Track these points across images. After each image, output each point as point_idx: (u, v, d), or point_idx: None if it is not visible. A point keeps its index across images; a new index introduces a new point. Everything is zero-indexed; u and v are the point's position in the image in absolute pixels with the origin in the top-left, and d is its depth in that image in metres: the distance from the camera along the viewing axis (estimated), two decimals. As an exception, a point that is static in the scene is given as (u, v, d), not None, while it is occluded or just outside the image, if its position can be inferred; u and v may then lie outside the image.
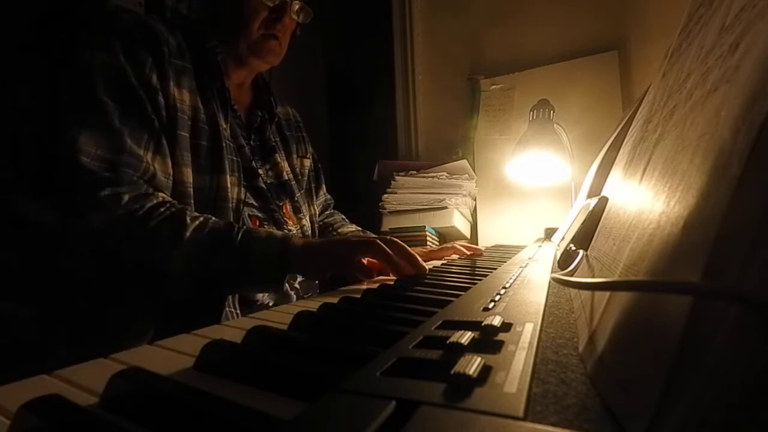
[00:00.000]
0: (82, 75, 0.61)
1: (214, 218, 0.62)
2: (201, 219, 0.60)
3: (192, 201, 0.67)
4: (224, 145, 0.72)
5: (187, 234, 0.58)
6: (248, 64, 0.80)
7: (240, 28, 0.75)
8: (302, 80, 1.94)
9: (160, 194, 0.62)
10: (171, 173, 0.65)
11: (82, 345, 0.65)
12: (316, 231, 0.96)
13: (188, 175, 0.67)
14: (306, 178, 0.96)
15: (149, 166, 0.62)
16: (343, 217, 1.09)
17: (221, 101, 0.75)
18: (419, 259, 0.58)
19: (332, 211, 1.09)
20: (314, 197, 1.00)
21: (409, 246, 0.61)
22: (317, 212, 1.00)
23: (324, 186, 1.07)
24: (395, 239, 0.59)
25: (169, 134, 0.66)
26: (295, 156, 0.94)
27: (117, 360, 0.26)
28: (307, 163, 0.98)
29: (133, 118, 0.62)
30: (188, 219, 0.59)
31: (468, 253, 0.90)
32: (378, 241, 0.58)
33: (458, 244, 0.93)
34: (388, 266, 0.57)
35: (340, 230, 1.00)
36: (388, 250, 0.57)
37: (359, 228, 1.03)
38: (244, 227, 0.60)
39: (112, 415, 0.19)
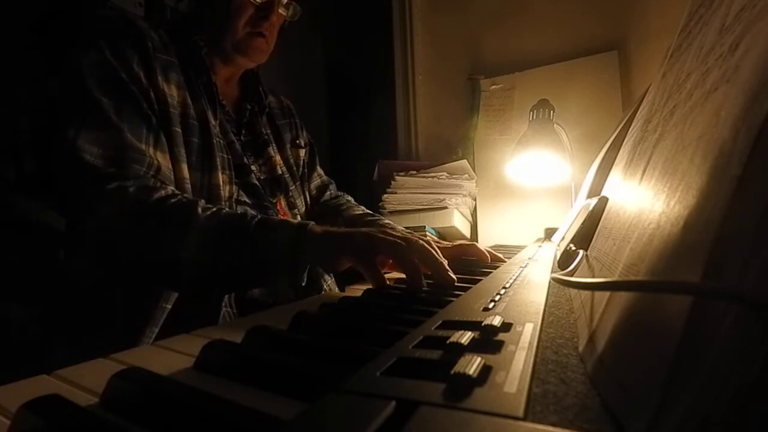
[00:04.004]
0: (74, 75, 0.60)
1: (226, 208, 0.60)
2: (213, 209, 0.57)
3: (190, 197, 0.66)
4: (215, 141, 0.70)
5: (199, 222, 0.54)
6: (234, 61, 0.79)
7: (225, 26, 0.74)
8: (302, 80, 1.94)
9: (170, 187, 0.61)
10: (172, 168, 0.65)
11: (82, 345, 0.64)
12: (311, 215, 0.92)
13: (185, 171, 0.66)
14: (301, 169, 0.93)
15: (153, 159, 0.61)
16: (350, 198, 1.02)
17: (208, 96, 0.73)
18: (448, 270, 0.50)
19: (338, 192, 1.03)
20: (308, 181, 0.96)
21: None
22: (312, 196, 0.96)
23: (319, 167, 1.02)
24: (425, 243, 0.52)
25: (164, 131, 0.65)
26: (288, 146, 0.91)
27: (117, 360, 0.26)
28: (302, 153, 0.95)
29: (129, 114, 0.61)
30: (199, 208, 0.56)
31: (488, 258, 0.73)
32: (404, 244, 0.50)
33: (477, 246, 0.75)
34: (409, 277, 0.49)
35: (346, 213, 0.92)
36: (413, 258, 0.49)
37: (368, 211, 0.96)
38: (259, 215, 0.57)
39: (112, 414, 0.19)
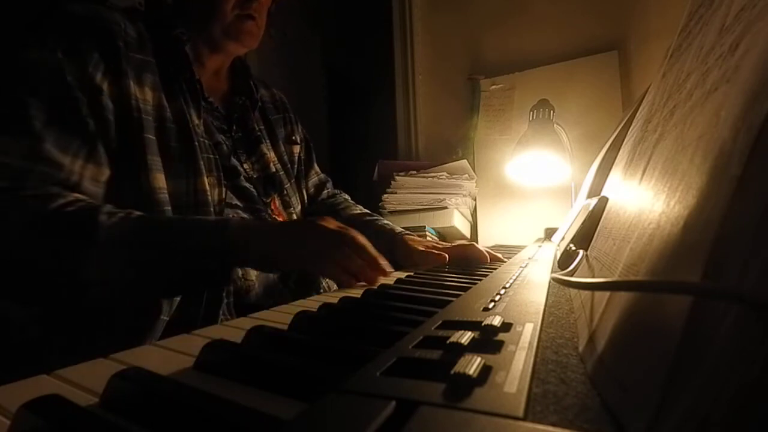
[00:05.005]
0: (11, 74, 0.55)
1: (136, 213, 0.54)
2: (120, 214, 0.52)
3: (169, 208, 0.62)
4: (197, 143, 0.66)
5: (103, 231, 0.49)
6: (224, 48, 0.75)
7: (212, 10, 0.70)
8: (302, 80, 1.94)
9: (74, 194, 0.54)
10: (104, 181, 0.59)
11: (82, 346, 0.64)
12: (307, 214, 0.91)
13: (160, 180, 0.62)
14: (296, 165, 0.90)
15: (71, 175, 0.55)
16: (347, 197, 1.01)
17: (191, 94, 0.69)
18: (381, 261, 0.53)
19: (335, 191, 1.02)
20: (305, 179, 0.94)
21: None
22: (310, 195, 0.95)
23: (316, 165, 1.00)
24: (353, 236, 0.53)
25: (134, 139, 0.60)
26: (282, 143, 0.88)
27: (117, 360, 0.26)
28: (296, 149, 0.91)
29: (62, 121, 0.55)
30: (103, 215, 0.51)
31: (488, 259, 0.72)
32: (323, 258, 0.51)
33: (477, 246, 0.74)
34: (347, 278, 0.52)
35: (344, 213, 0.91)
36: (334, 269, 0.51)
37: (366, 210, 0.95)
38: (175, 218, 0.54)
39: (113, 415, 0.19)
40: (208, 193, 0.66)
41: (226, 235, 0.51)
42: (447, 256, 0.70)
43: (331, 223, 0.55)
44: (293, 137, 0.92)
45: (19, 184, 0.51)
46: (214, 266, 0.52)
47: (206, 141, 0.69)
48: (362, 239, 0.54)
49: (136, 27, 0.66)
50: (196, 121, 0.68)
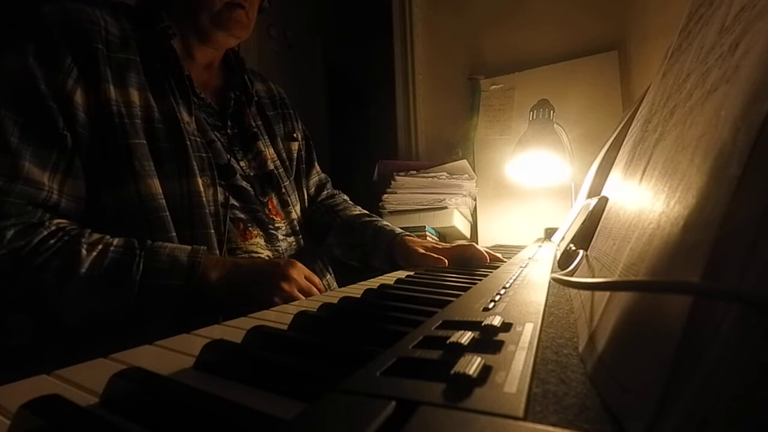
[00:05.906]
0: None
1: (115, 243, 0.55)
2: (100, 247, 0.54)
3: (167, 213, 0.61)
4: (188, 143, 0.64)
5: (82, 270, 0.52)
6: (213, 39, 0.72)
7: (200, 0, 0.67)
8: (303, 80, 1.94)
9: (55, 221, 0.55)
10: (83, 196, 0.58)
11: (80, 346, 0.64)
12: (307, 215, 0.90)
13: (156, 186, 0.60)
14: (295, 163, 0.88)
15: (51, 193, 0.55)
16: (346, 198, 0.99)
17: (180, 91, 0.66)
18: (311, 289, 0.56)
19: (334, 191, 1.00)
20: (306, 179, 0.92)
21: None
22: (310, 195, 0.94)
23: (317, 164, 0.98)
24: (293, 267, 0.56)
25: (118, 147, 0.58)
26: (280, 140, 0.85)
27: (117, 360, 0.26)
28: (295, 146, 0.89)
29: (38, 134, 0.54)
30: (83, 251, 0.52)
31: (487, 259, 0.72)
32: (263, 294, 0.53)
33: (476, 247, 0.75)
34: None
35: (342, 213, 0.90)
36: (272, 302, 0.52)
37: (365, 211, 0.94)
38: (146, 253, 0.54)
39: (113, 415, 0.19)
40: (203, 194, 0.64)
41: (196, 281, 0.54)
42: (446, 261, 0.70)
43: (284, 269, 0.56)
44: (294, 134, 0.90)
45: (2, 209, 0.51)
46: (179, 302, 0.55)
47: (198, 139, 0.67)
48: (292, 275, 0.56)
49: (120, 24, 0.64)
50: (187, 119, 0.66)
